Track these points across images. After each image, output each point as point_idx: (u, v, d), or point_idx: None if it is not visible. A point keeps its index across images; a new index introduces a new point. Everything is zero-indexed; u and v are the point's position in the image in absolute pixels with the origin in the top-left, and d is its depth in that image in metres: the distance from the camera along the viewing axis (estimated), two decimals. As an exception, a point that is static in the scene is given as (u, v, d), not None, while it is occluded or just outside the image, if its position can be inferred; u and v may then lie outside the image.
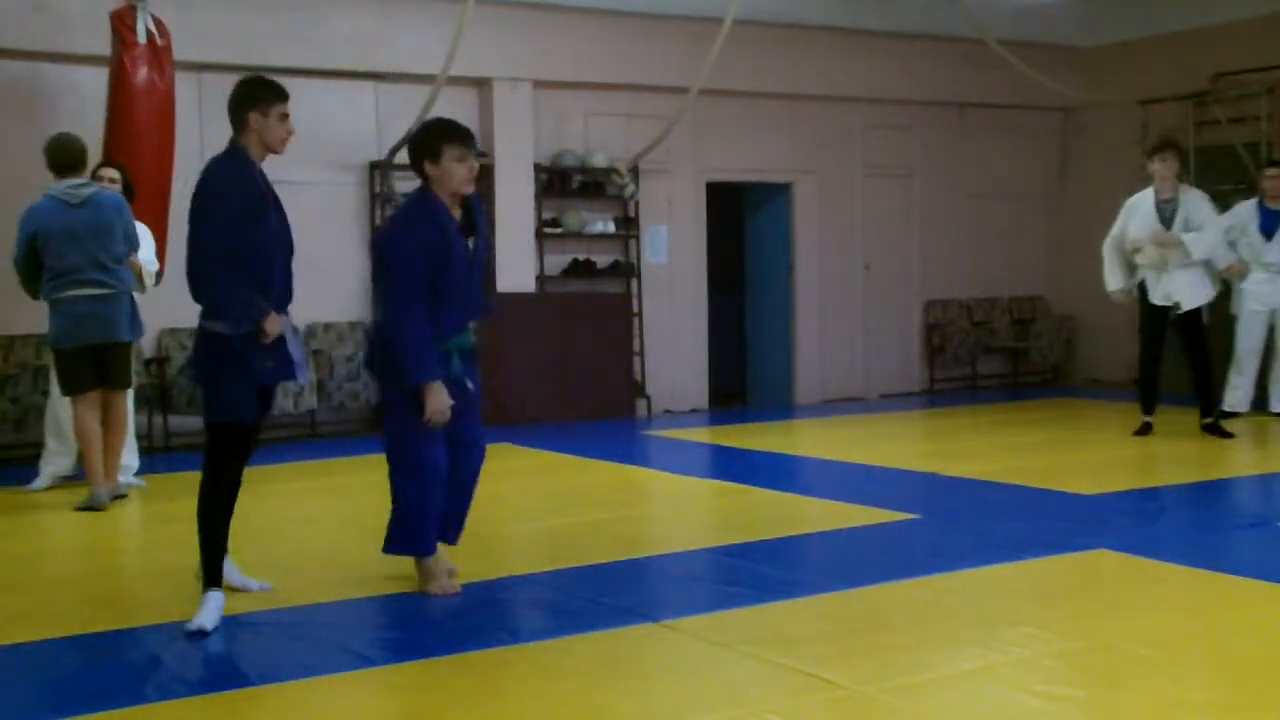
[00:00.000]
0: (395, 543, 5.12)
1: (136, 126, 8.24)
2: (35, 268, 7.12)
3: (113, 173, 7.70)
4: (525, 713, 3.80)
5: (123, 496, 7.50)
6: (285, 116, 4.94)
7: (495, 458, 9.10)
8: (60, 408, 7.67)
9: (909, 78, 12.66)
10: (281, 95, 5.04)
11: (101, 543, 6.53)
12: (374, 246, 5.03)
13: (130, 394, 7.62)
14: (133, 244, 7.31)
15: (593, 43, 11.21)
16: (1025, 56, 11.46)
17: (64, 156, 7.23)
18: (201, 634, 4.57)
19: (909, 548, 5.92)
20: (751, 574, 5.39)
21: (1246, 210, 9.88)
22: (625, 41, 11.28)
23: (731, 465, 8.85)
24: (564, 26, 11.07)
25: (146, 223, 7.87)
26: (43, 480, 7.88)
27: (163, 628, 4.73)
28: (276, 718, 3.87)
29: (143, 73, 8.13)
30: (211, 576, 4.75)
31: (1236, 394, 9.78)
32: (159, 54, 8.23)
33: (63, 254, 7.02)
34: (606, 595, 5.05)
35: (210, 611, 4.67)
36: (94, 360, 7.19)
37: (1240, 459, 8.55)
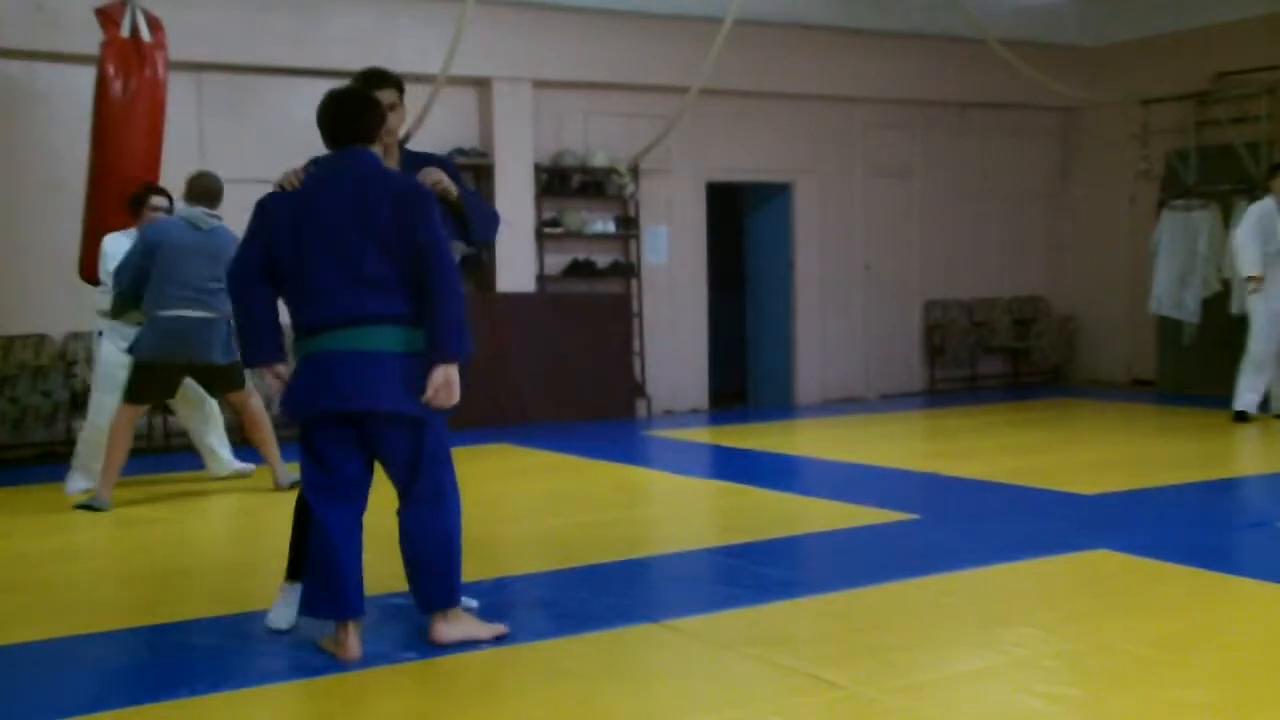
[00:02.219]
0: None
1: (117, 124, 8.16)
2: (142, 280, 7.22)
3: (162, 201, 7.74)
4: (525, 713, 3.80)
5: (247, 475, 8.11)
6: (393, 107, 4.55)
7: (495, 458, 9.15)
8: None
9: (909, 78, 12.66)
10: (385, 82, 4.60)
11: (102, 543, 6.52)
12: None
13: (254, 392, 7.79)
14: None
15: (593, 43, 11.20)
16: (1026, 56, 11.46)
17: (203, 187, 7.48)
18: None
19: (909, 548, 5.91)
20: (751, 574, 5.39)
21: (1268, 211, 9.80)
22: (625, 41, 11.28)
23: (731, 465, 8.85)
24: (564, 26, 11.07)
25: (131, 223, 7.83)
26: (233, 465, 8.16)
27: (163, 628, 4.73)
28: (276, 718, 3.87)
29: (125, 69, 8.06)
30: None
31: (1252, 396, 9.74)
32: (145, 51, 8.15)
33: (176, 273, 7.19)
34: (606, 595, 5.04)
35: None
36: (178, 377, 7.45)
37: (1240, 459, 8.54)
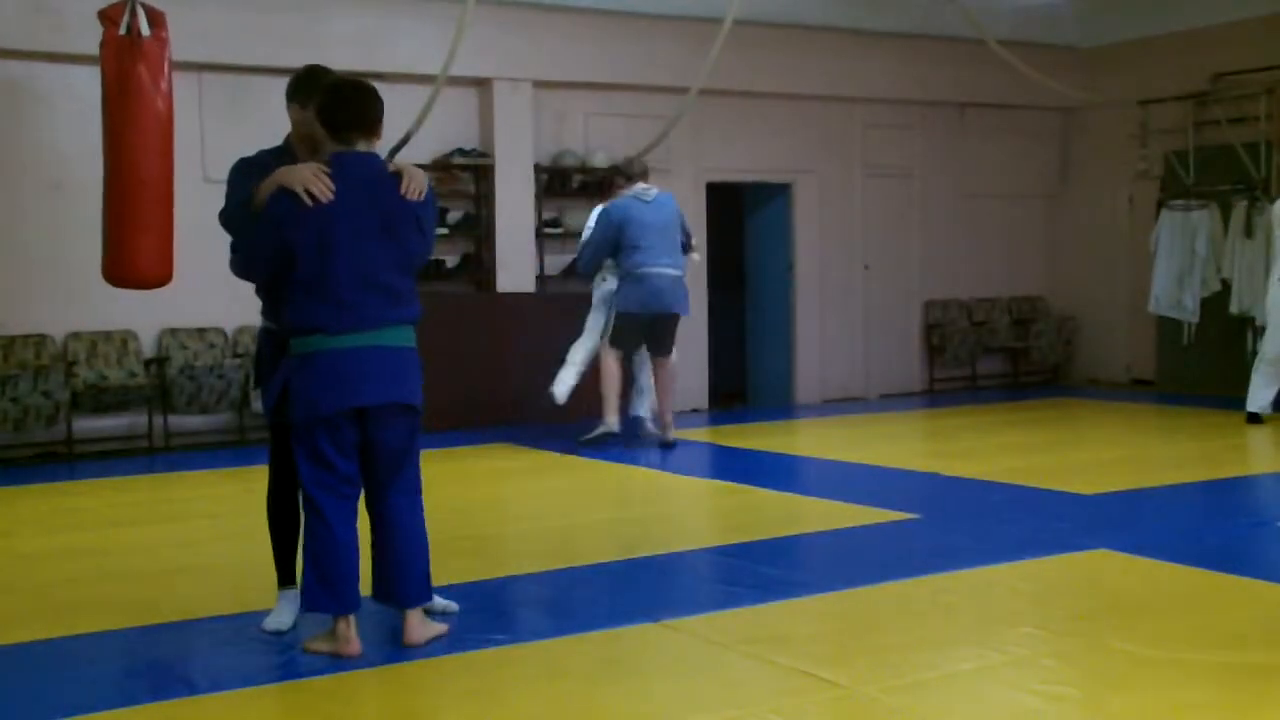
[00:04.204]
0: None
1: (125, 123, 8.14)
2: (614, 251, 9.00)
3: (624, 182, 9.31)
4: (525, 713, 3.80)
5: (671, 446, 9.15)
6: None
7: (495, 458, 9.15)
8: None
9: (909, 78, 12.65)
10: None
11: (102, 543, 6.52)
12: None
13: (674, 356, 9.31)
14: (688, 236, 9.29)
15: (593, 43, 11.20)
16: (1025, 56, 11.45)
17: (642, 166, 9.40)
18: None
19: (909, 548, 5.92)
20: (751, 574, 5.39)
21: None
22: (625, 41, 11.27)
23: (731, 465, 8.85)
24: (564, 26, 11.06)
25: (150, 224, 7.82)
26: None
27: (163, 628, 4.73)
28: (276, 718, 3.87)
29: (123, 69, 8.02)
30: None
31: (1268, 394, 9.65)
32: (142, 48, 8.11)
33: (642, 239, 8.87)
34: (606, 595, 5.04)
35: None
36: (649, 328, 9.08)
37: (1240, 459, 8.54)
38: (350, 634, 4.27)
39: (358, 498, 4.40)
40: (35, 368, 9.19)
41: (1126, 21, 12.78)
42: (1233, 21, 11.98)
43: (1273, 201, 11.50)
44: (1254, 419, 9.63)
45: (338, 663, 4.24)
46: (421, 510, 4.49)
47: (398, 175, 4.35)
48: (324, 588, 4.26)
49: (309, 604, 4.32)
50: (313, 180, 4.23)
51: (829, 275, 12.68)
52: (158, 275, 7.97)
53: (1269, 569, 5.25)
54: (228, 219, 4.66)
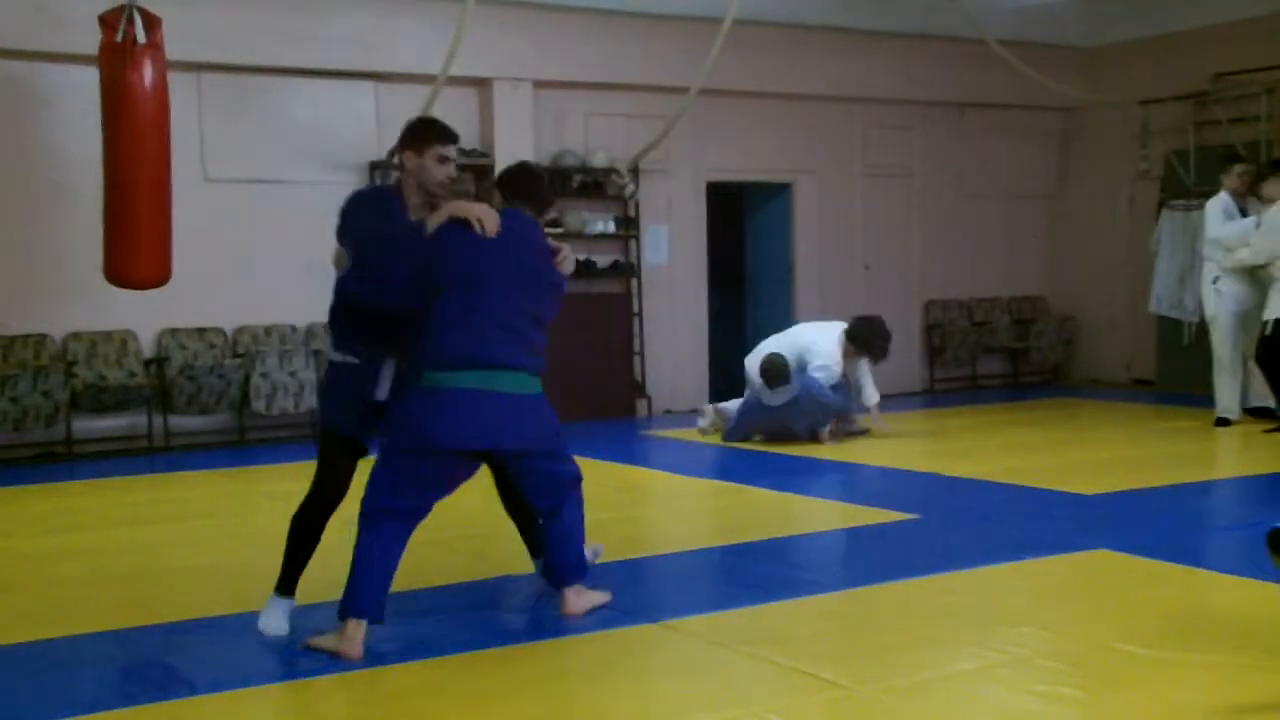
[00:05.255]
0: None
1: (119, 129, 8.14)
2: None
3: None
4: (525, 713, 3.80)
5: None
6: (446, 160, 4.71)
7: (495, 458, 9.14)
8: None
9: (909, 78, 12.65)
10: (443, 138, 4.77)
11: (102, 543, 6.52)
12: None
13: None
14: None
15: (593, 43, 11.20)
16: (1025, 56, 11.46)
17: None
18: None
19: (909, 548, 5.92)
20: (751, 574, 5.39)
21: (1229, 206, 9.60)
22: (625, 41, 11.27)
23: (731, 465, 8.85)
24: (564, 26, 11.07)
25: (147, 226, 7.83)
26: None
27: (162, 628, 4.73)
28: (276, 718, 3.87)
29: (119, 75, 8.03)
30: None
31: (1232, 398, 9.61)
32: (137, 55, 8.11)
33: None
34: (606, 595, 5.04)
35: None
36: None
37: (1240, 459, 8.54)
38: (357, 638, 4.31)
39: (410, 530, 4.49)
40: (35, 368, 9.19)
41: (1126, 21, 12.78)
42: (1233, 21, 11.98)
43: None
44: (1222, 423, 9.53)
45: (338, 663, 4.24)
46: (577, 505, 4.74)
47: (555, 249, 4.68)
48: (360, 596, 4.35)
49: (343, 609, 4.36)
50: (486, 215, 4.45)
51: (829, 275, 12.68)
52: (155, 276, 7.99)
53: (1268, 569, 5.23)
54: (362, 240, 4.70)
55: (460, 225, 4.41)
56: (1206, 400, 9.51)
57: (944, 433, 10.06)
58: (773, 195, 12.59)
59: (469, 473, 4.59)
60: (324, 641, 4.37)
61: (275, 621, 4.65)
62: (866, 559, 5.70)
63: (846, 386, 9.61)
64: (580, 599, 4.75)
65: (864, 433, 9.60)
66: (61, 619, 4.90)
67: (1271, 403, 9.37)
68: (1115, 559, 5.55)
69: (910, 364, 13.15)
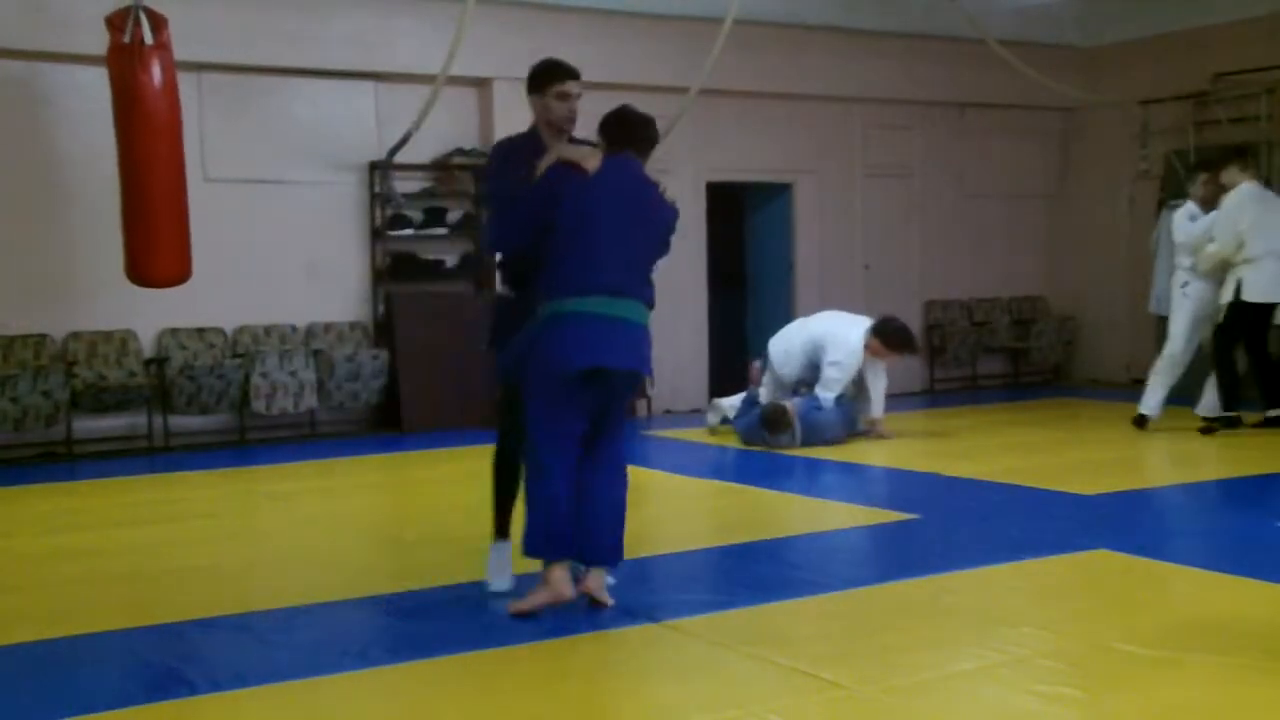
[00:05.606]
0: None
1: (132, 131, 8.14)
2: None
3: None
4: (525, 713, 3.80)
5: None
6: (565, 96, 5.01)
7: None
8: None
9: (909, 78, 12.65)
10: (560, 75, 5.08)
11: (102, 543, 6.52)
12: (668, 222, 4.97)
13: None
14: None
15: (593, 43, 11.17)
16: (1025, 56, 11.45)
17: None
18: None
19: (909, 548, 5.92)
20: (751, 574, 5.39)
21: (1194, 215, 9.48)
22: (625, 41, 11.27)
23: (731, 465, 8.85)
24: (564, 26, 11.05)
25: (167, 226, 7.84)
26: None
27: (163, 628, 4.73)
28: (276, 718, 3.87)
29: (129, 76, 8.02)
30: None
31: (1160, 397, 9.45)
32: (146, 55, 8.10)
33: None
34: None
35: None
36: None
37: (1240, 459, 8.54)
38: (565, 578, 4.59)
39: (577, 455, 4.72)
40: (35, 368, 9.19)
41: (1126, 21, 12.78)
42: (1233, 21, 11.98)
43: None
44: (1141, 421, 9.44)
45: (336, 663, 4.24)
46: (624, 485, 4.86)
47: (659, 184, 4.92)
48: (542, 536, 4.63)
49: (528, 550, 4.64)
50: (588, 156, 4.78)
51: (829, 275, 12.68)
52: (176, 274, 8.02)
53: (1269, 569, 5.25)
54: (493, 192, 5.11)
55: (565, 167, 4.72)
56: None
57: (944, 433, 10.06)
58: (773, 195, 12.59)
59: (597, 400, 4.73)
60: (535, 597, 4.63)
61: (500, 572, 5.05)
62: (866, 559, 5.70)
63: (854, 394, 9.60)
64: (600, 583, 4.83)
65: (865, 432, 9.60)
66: (61, 619, 4.90)
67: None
68: (1115, 559, 5.56)
69: (910, 364, 13.12)
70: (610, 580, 4.92)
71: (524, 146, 5.01)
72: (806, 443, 9.07)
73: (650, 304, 4.82)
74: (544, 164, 4.76)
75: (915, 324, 13.16)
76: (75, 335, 9.60)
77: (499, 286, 5.06)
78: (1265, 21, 11.72)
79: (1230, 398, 9.15)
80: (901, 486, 7.71)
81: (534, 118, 5.10)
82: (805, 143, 12.47)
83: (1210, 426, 9.18)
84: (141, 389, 9.53)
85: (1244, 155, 9.66)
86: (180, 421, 9.81)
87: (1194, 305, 9.38)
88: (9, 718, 3.84)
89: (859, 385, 9.59)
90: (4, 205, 9.43)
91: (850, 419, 9.43)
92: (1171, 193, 12.33)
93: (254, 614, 4.83)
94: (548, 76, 5.04)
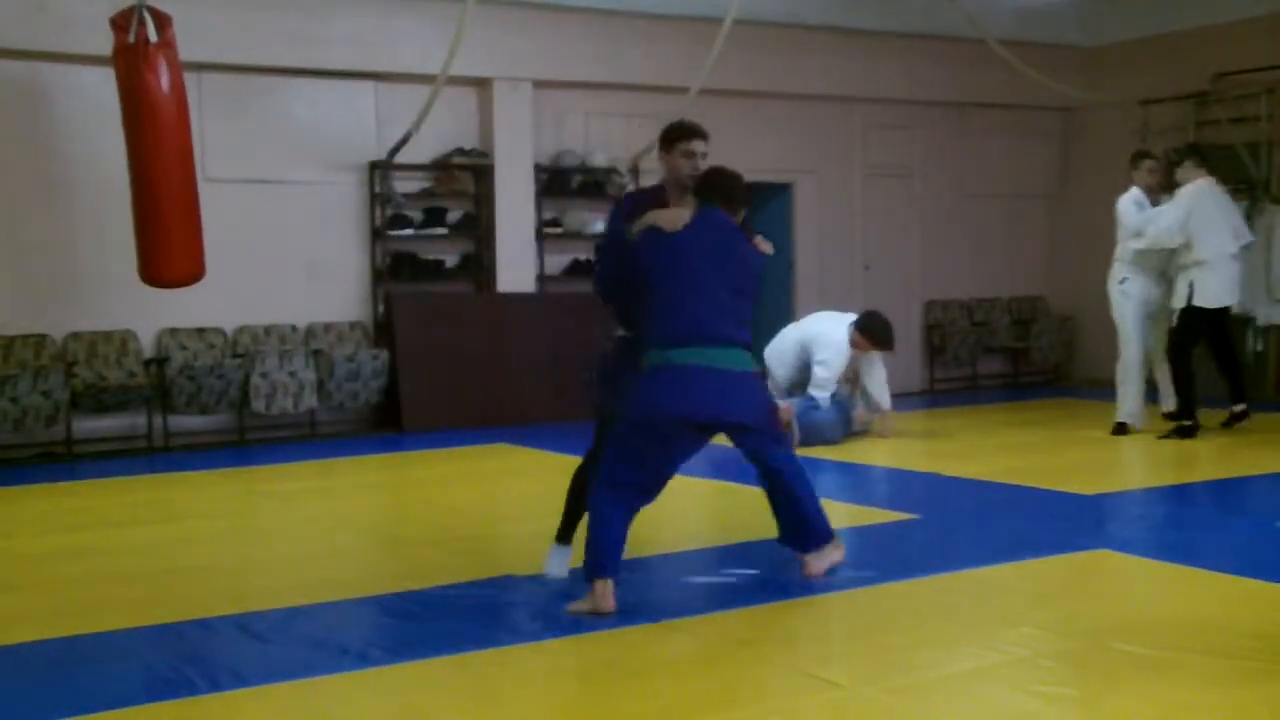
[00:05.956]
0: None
1: (144, 127, 8.12)
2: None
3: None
4: (525, 713, 3.80)
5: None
6: (690, 154, 5.27)
7: (495, 458, 9.15)
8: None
9: (909, 78, 12.65)
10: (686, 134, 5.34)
11: (102, 543, 6.52)
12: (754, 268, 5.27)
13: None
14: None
15: (593, 43, 11.20)
16: (1025, 56, 11.45)
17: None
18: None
19: (909, 548, 5.92)
20: (751, 574, 5.39)
21: (1142, 200, 9.29)
22: (625, 41, 11.27)
23: (731, 465, 8.82)
24: (564, 26, 11.06)
25: (180, 224, 7.84)
26: None
27: (163, 628, 4.73)
28: (276, 718, 3.87)
29: (135, 77, 8.01)
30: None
31: (1136, 404, 9.27)
32: (151, 55, 8.09)
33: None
34: (606, 595, 5.03)
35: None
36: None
37: (1240, 459, 8.54)
38: (607, 593, 4.80)
39: (644, 492, 5.04)
40: (35, 368, 9.19)
41: (1126, 21, 12.78)
42: (1233, 21, 11.98)
43: (1274, 202, 11.54)
44: (1120, 429, 9.23)
45: (335, 662, 4.24)
46: (802, 472, 5.25)
47: (748, 234, 5.21)
48: (604, 557, 4.87)
49: (586, 571, 4.89)
50: (671, 219, 5.07)
51: (829, 275, 12.68)
52: (190, 273, 8.04)
53: (1269, 569, 5.25)
54: (604, 244, 5.61)
55: (654, 230, 5.03)
56: (1207, 400, 9.49)
57: (944, 433, 10.05)
58: (773, 195, 12.58)
59: (695, 447, 5.07)
60: (580, 605, 4.81)
61: (557, 566, 5.37)
62: (867, 559, 5.69)
63: (850, 391, 9.60)
64: (819, 561, 5.21)
65: (864, 431, 9.60)
66: (61, 619, 4.90)
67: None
68: (1115, 559, 5.56)
69: (910, 364, 13.14)
70: (838, 557, 5.27)
71: (647, 201, 5.33)
72: (805, 443, 9.05)
73: (747, 344, 5.07)
74: (638, 226, 5.09)
75: (915, 324, 13.19)
76: (75, 335, 9.60)
77: (618, 329, 5.40)
78: (1265, 21, 11.72)
79: (1188, 403, 8.96)
80: (901, 486, 7.71)
81: (665, 174, 5.42)
82: (805, 143, 12.47)
83: (1176, 426, 9.02)
84: (141, 389, 9.53)
85: (1202, 151, 9.51)
86: (180, 421, 9.81)
87: (1136, 304, 9.19)
88: (9, 718, 3.84)
89: (854, 383, 9.61)
90: (4, 205, 9.43)
91: (848, 419, 9.43)
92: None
93: (254, 614, 4.83)
94: (676, 135, 5.34)
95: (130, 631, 4.71)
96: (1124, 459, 8.50)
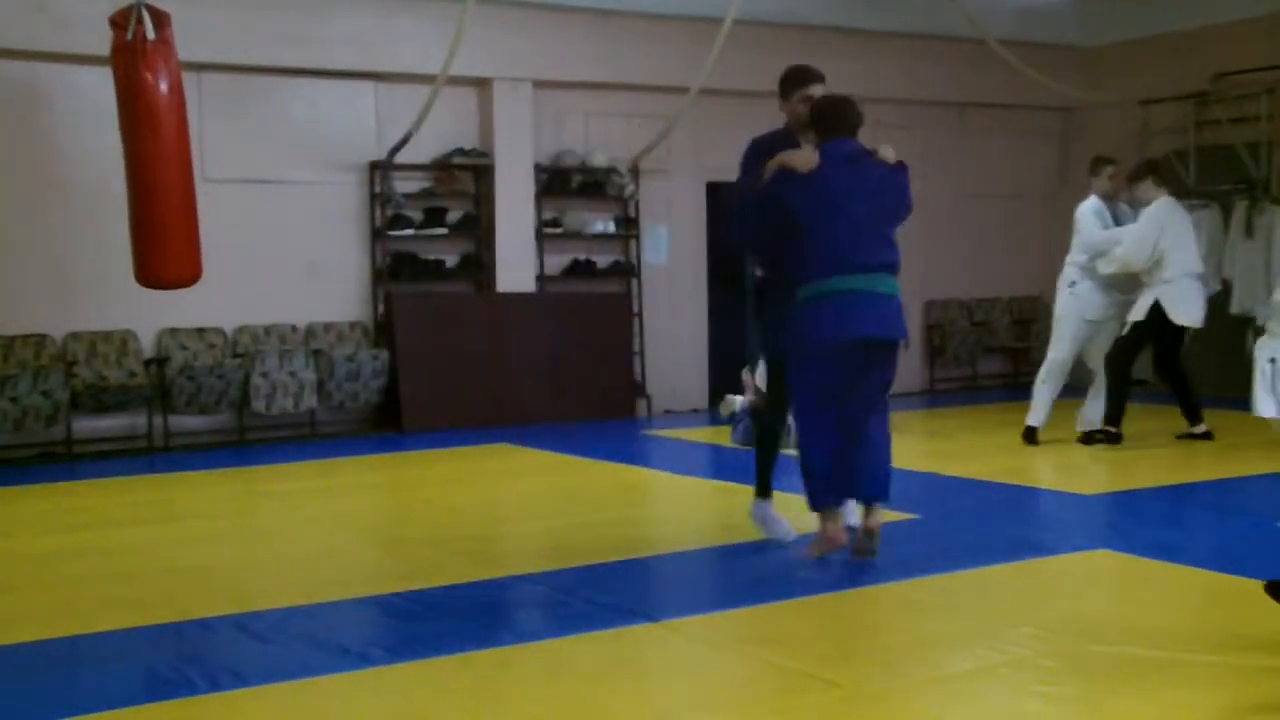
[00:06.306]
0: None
1: (141, 126, 8.11)
2: None
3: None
4: (525, 713, 3.80)
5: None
6: (808, 99, 5.61)
7: (496, 458, 9.15)
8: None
9: (909, 78, 12.65)
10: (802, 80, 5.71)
11: (102, 543, 6.52)
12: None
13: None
14: None
15: (593, 43, 11.20)
16: (1025, 56, 11.45)
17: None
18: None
19: (909, 548, 5.91)
20: (751, 574, 5.39)
21: (1099, 210, 9.22)
22: (625, 41, 11.27)
23: (731, 465, 8.84)
24: (564, 26, 11.06)
25: (178, 225, 7.82)
26: None
27: (163, 628, 4.73)
28: (276, 718, 3.87)
29: (132, 76, 8.00)
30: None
31: (1047, 411, 9.15)
32: (149, 54, 8.07)
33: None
34: (606, 595, 5.04)
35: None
36: None
37: (1240, 459, 8.53)
38: (837, 525, 5.24)
39: (838, 416, 5.33)
40: (35, 368, 9.19)
41: (1126, 21, 12.78)
42: (1233, 21, 11.97)
43: (1274, 202, 11.53)
44: (1030, 434, 9.07)
45: (335, 662, 4.23)
46: (889, 425, 5.48)
47: (873, 151, 5.43)
48: (821, 490, 5.27)
49: (812, 503, 5.34)
50: (806, 159, 5.33)
51: (829, 275, 12.66)
52: (187, 274, 7.98)
53: (1269, 569, 5.23)
54: (740, 193, 5.71)
55: (785, 171, 5.30)
56: (1207, 400, 9.49)
57: (944, 433, 10.06)
58: (773, 195, 12.57)
59: (863, 368, 5.31)
60: (815, 548, 5.32)
61: (775, 526, 5.80)
62: (866, 559, 5.69)
63: None
64: (873, 516, 5.51)
65: None
66: (61, 619, 4.90)
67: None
68: (1115, 559, 5.56)
69: (910, 364, 13.13)
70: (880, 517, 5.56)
71: (774, 144, 5.60)
72: None
73: (896, 269, 5.33)
74: (767, 171, 5.37)
75: (915, 324, 13.18)
76: (75, 335, 9.60)
77: (757, 270, 5.70)
78: (1265, 21, 11.71)
79: (1118, 412, 8.82)
80: (901, 486, 7.64)
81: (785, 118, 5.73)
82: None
83: (1091, 435, 8.91)
84: (141, 389, 9.53)
85: (1158, 169, 9.36)
86: (180, 421, 9.81)
87: (1080, 308, 9.03)
88: (9, 718, 3.84)
89: None
90: (4, 205, 9.43)
91: None
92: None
93: (254, 614, 4.83)
94: (794, 82, 5.68)
95: (130, 631, 4.71)
96: (1124, 459, 8.49)
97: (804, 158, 5.33)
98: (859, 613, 4.80)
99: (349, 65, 10.45)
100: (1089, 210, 9.20)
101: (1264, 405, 8.19)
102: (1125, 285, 9.10)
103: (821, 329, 5.22)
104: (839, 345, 5.21)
